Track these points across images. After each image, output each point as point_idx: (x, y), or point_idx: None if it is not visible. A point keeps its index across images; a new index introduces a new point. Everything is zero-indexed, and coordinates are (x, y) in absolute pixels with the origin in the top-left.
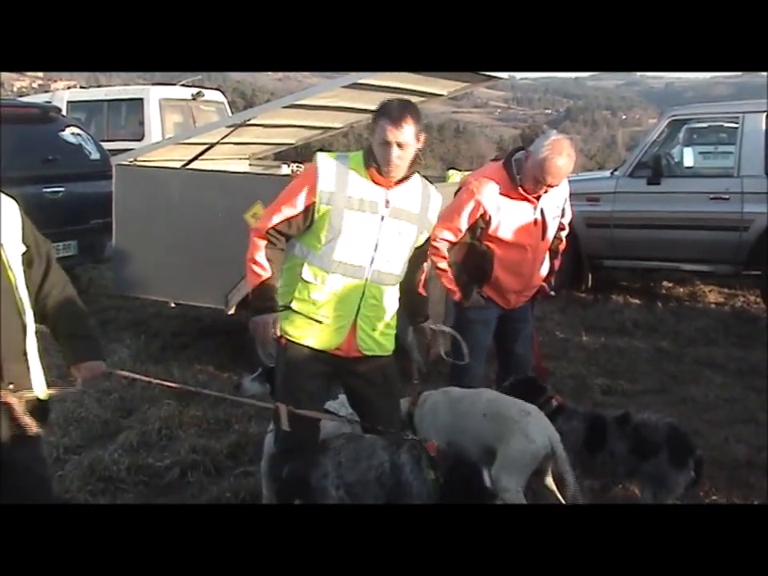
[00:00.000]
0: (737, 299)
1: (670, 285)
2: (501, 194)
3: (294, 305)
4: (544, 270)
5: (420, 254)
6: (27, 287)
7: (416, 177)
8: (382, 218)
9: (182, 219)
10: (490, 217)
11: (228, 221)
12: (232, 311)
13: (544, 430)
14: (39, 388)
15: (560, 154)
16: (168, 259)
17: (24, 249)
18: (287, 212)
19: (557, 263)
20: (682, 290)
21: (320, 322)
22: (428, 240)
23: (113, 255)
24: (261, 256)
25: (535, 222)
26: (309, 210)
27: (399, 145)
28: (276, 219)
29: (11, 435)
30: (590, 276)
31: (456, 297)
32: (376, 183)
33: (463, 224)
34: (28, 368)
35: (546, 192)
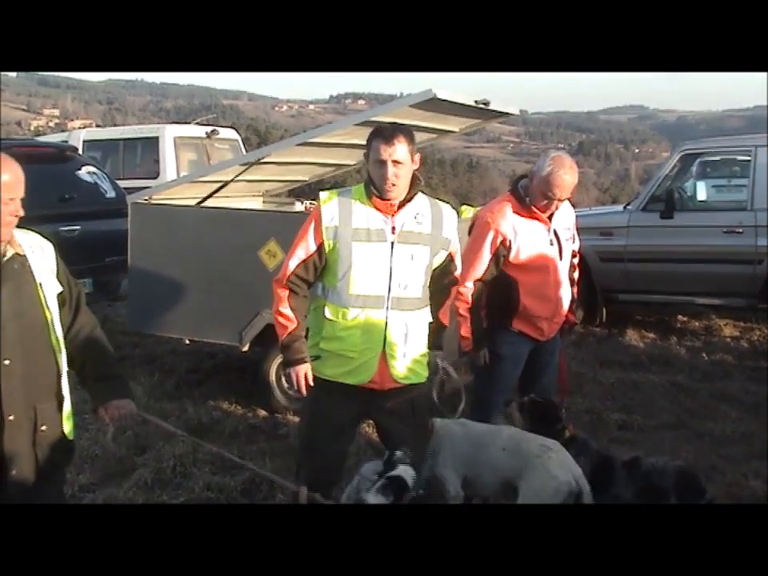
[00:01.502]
0: (752, 333)
1: (685, 319)
2: (514, 213)
3: (323, 344)
4: (567, 295)
5: (442, 276)
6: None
7: (420, 197)
8: (392, 244)
9: (196, 257)
10: (510, 242)
11: (242, 258)
12: (246, 348)
13: (567, 466)
14: (69, 429)
15: (563, 167)
16: (182, 296)
17: (60, 289)
18: (301, 254)
19: (575, 291)
20: (697, 323)
21: (351, 358)
22: (450, 260)
23: (128, 293)
24: (285, 307)
25: (551, 242)
26: (320, 248)
27: (394, 162)
28: (293, 265)
29: (38, 475)
30: (604, 310)
31: (467, 346)
32: (380, 211)
33: (486, 257)
34: (60, 409)
35: (556, 209)
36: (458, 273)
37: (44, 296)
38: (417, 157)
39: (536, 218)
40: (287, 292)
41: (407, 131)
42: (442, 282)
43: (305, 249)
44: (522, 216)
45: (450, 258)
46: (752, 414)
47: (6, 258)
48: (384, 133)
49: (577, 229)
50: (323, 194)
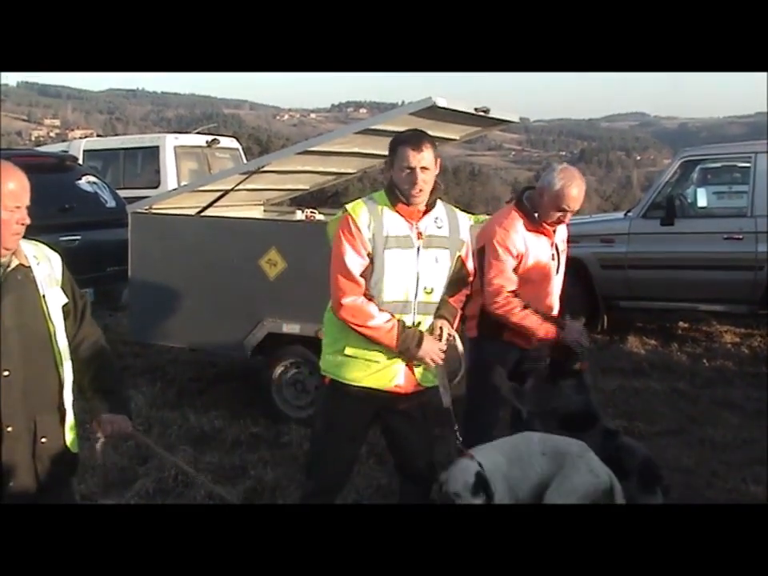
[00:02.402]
0: (753, 339)
1: (686, 325)
2: (527, 230)
3: (349, 350)
4: (556, 306)
5: (455, 281)
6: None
7: (439, 203)
8: (418, 249)
9: (197, 266)
10: (523, 257)
11: (243, 267)
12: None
13: (604, 466)
14: (71, 441)
15: (575, 180)
16: (184, 305)
17: (65, 300)
18: (359, 265)
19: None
20: (698, 330)
21: (376, 362)
22: (462, 266)
23: (129, 302)
24: (377, 312)
25: (552, 257)
26: (369, 257)
27: (423, 169)
28: (359, 276)
29: (38, 487)
30: (605, 317)
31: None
32: (404, 217)
33: (510, 266)
34: (62, 421)
35: (561, 223)
36: (470, 278)
37: (47, 307)
38: (438, 162)
39: (543, 233)
40: (365, 299)
41: (430, 138)
42: (452, 287)
43: (360, 259)
44: (530, 231)
45: (462, 262)
46: (753, 421)
47: (9, 269)
48: (411, 140)
49: (576, 236)
50: (350, 206)
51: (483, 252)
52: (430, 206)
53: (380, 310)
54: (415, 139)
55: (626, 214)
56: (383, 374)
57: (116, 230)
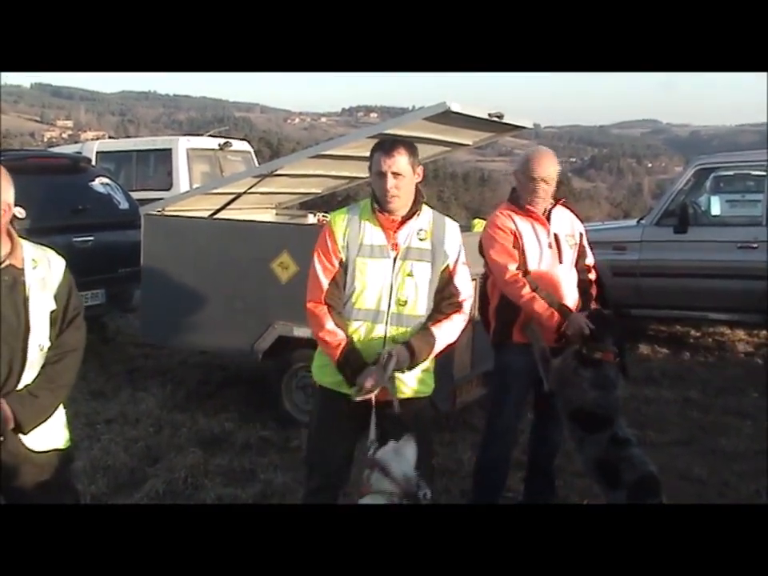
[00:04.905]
0: (766, 348)
1: (698, 334)
2: (517, 215)
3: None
4: (571, 301)
5: (441, 300)
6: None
7: (425, 211)
8: (394, 260)
9: (209, 268)
10: (516, 237)
11: (255, 270)
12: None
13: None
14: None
15: (540, 150)
16: (195, 308)
17: (53, 307)
18: (328, 272)
19: (592, 305)
20: (710, 339)
21: None
22: (449, 280)
23: (140, 304)
24: (329, 323)
25: (550, 245)
26: (341, 264)
27: (394, 174)
28: (325, 282)
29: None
30: None
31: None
32: (383, 227)
33: (510, 248)
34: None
35: (546, 201)
36: (460, 298)
37: (29, 310)
38: (419, 169)
39: (534, 218)
40: (326, 308)
41: (408, 143)
42: (439, 306)
43: (329, 266)
44: (520, 216)
45: (449, 277)
46: (766, 431)
47: None
48: (384, 145)
49: (589, 243)
50: (332, 214)
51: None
52: (410, 215)
53: (339, 325)
54: (388, 145)
55: (638, 222)
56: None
57: (129, 231)
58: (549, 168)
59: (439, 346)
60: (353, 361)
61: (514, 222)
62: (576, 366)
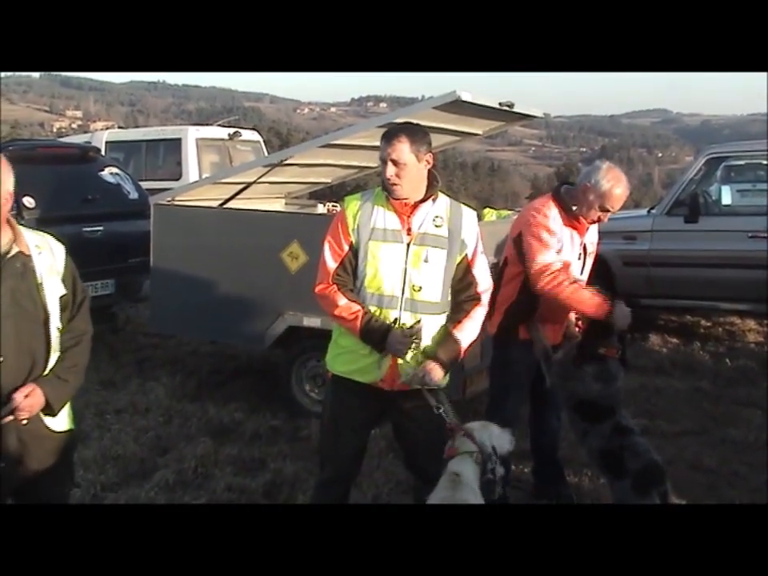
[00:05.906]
0: None
1: (709, 324)
2: (561, 218)
3: (340, 340)
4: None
5: (459, 291)
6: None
7: (442, 199)
8: (407, 245)
9: (218, 258)
10: (559, 242)
11: (264, 260)
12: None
13: None
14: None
15: (622, 182)
16: (205, 298)
17: (63, 292)
18: (336, 255)
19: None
20: (720, 329)
21: (362, 355)
22: (467, 270)
23: (150, 294)
24: (342, 300)
25: (579, 256)
26: (351, 248)
27: (393, 162)
28: (332, 265)
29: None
30: None
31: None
32: (396, 212)
33: (553, 243)
34: None
35: (599, 222)
36: (479, 288)
37: (44, 296)
38: (428, 156)
39: (576, 229)
40: (335, 287)
41: (413, 130)
42: (458, 298)
43: (338, 250)
44: (565, 224)
45: (467, 267)
46: None
47: (9, 257)
48: (388, 133)
49: (599, 232)
50: (347, 198)
51: (521, 238)
52: (423, 201)
53: (353, 300)
54: (390, 132)
55: (649, 212)
56: (368, 368)
57: (138, 221)
58: (622, 203)
59: (465, 348)
60: (377, 326)
61: (559, 225)
62: (578, 360)
